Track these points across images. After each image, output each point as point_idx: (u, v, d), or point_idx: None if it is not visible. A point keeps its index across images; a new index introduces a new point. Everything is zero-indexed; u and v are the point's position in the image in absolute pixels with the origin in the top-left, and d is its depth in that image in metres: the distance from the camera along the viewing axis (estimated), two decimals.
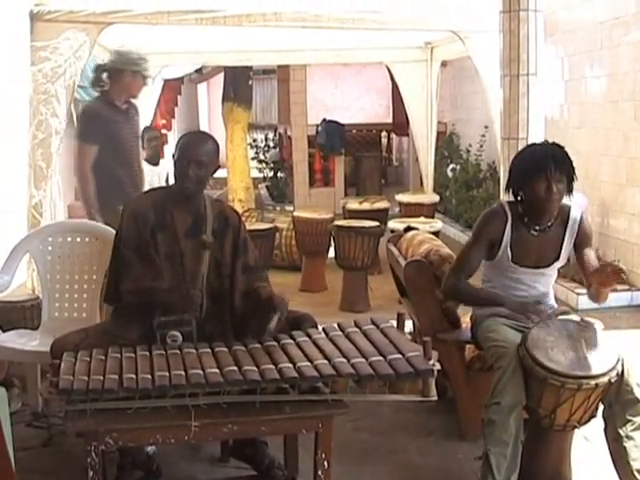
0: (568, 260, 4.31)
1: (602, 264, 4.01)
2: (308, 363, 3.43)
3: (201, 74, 16.31)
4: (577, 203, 4.34)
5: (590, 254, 4.23)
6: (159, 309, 3.83)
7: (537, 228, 4.12)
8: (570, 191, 4.07)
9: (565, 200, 4.12)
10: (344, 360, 3.46)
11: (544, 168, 3.96)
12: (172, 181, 4.15)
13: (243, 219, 8.07)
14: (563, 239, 4.16)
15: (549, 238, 4.15)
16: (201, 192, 4.08)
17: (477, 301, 4.28)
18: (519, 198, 4.15)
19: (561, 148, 4.08)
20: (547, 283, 4.29)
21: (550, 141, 4.20)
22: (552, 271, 4.27)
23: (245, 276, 4.09)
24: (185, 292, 3.92)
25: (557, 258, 4.20)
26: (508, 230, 4.12)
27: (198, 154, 3.96)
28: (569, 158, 4.03)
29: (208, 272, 4.02)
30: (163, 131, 15.91)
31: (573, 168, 4.03)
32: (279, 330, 3.83)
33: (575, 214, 4.18)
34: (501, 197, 5.38)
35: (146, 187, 7.05)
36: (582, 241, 4.21)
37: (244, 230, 4.22)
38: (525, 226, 4.12)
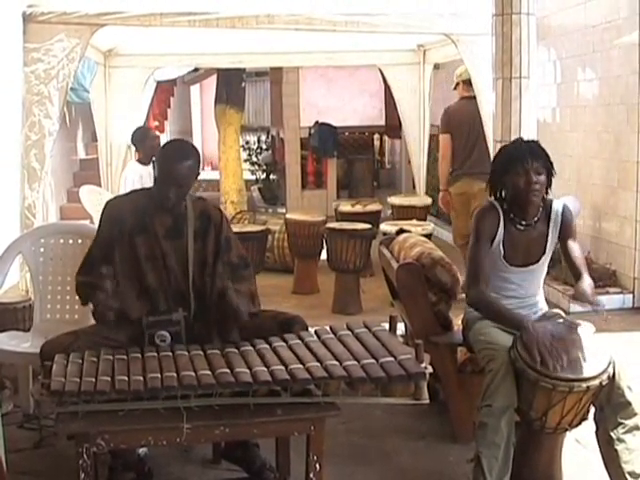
0: (560, 261, 4.32)
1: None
2: (300, 365, 3.43)
3: (196, 74, 16.29)
4: (568, 203, 4.36)
5: (574, 247, 4.23)
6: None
7: (523, 223, 4.14)
8: (549, 185, 4.10)
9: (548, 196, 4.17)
10: (336, 363, 3.46)
11: (520, 160, 4.01)
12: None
13: (234, 221, 8.02)
14: (548, 232, 4.18)
15: (535, 234, 4.17)
16: (182, 202, 4.07)
17: (500, 321, 4.12)
18: (502, 196, 4.17)
19: (535, 142, 4.16)
20: (536, 282, 4.29)
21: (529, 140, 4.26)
22: (541, 268, 4.27)
23: (226, 274, 4.08)
24: (170, 293, 3.96)
25: (544, 253, 4.21)
26: (501, 226, 4.13)
27: (178, 177, 3.91)
28: (545, 151, 4.09)
29: (193, 272, 4.02)
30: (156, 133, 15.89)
31: (550, 160, 4.08)
32: (269, 332, 3.85)
33: (557, 206, 4.20)
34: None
35: (137, 186, 7.05)
36: (565, 232, 4.22)
37: (227, 228, 4.19)
38: (512, 222, 4.14)
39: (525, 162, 4.00)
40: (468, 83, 7.69)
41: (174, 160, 3.93)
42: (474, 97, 7.54)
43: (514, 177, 4.03)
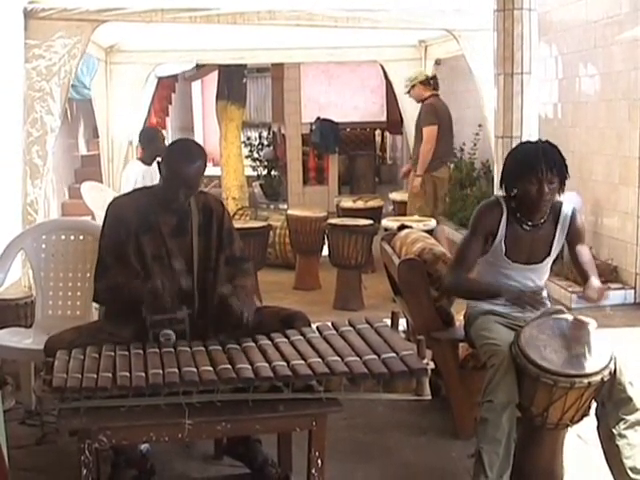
0: (562, 257, 4.32)
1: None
2: (302, 361, 3.43)
3: (198, 70, 16.29)
4: (571, 201, 4.35)
5: (583, 251, 4.23)
6: (144, 306, 3.82)
7: (529, 224, 4.13)
8: (562, 189, 4.08)
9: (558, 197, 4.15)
10: (338, 359, 3.46)
11: (536, 169, 3.95)
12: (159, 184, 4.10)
13: (236, 217, 8.00)
14: (554, 235, 4.17)
15: (541, 234, 4.16)
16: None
17: (477, 295, 4.25)
18: (512, 194, 4.15)
19: (553, 147, 4.07)
20: (539, 280, 4.30)
21: (543, 139, 4.21)
22: (544, 268, 4.28)
23: (228, 268, 4.09)
24: (175, 291, 3.96)
25: (548, 254, 4.21)
26: (503, 223, 4.12)
27: (189, 179, 3.92)
28: (562, 157, 4.03)
29: (198, 269, 4.02)
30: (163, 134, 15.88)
31: (566, 167, 4.03)
32: (270, 328, 3.84)
33: (566, 210, 4.19)
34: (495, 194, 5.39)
35: (139, 185, 7.04)
36: (574, 237, 4.22)
37: (228, 220, 4.20)
38: (518, 221, 4.13)
39: (540, 172, 3.94)
40: (426, 83, 8.62)
41: (183, 163, 3.93)
42: (435, 95, 8.67)
43: (527, 184, 3.99)
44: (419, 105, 8.99)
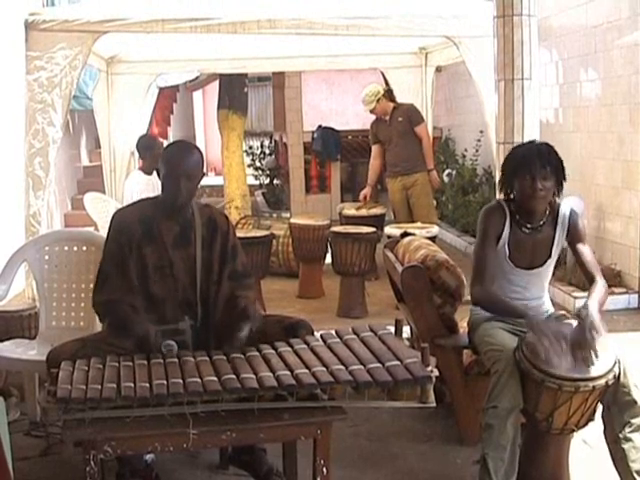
0: (564, 262, 4.32)
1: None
2: (306, 370, 3.43)
3: (199, 79, 16.30)
4: (573, 205, 4.35)
5: (585, 250, 4.22)
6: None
7: (529, 226, 4.14)
8: (560, 190, 4.08)
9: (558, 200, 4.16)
10: (342, 367, 3.45)
11: (528, 165, 3.98)
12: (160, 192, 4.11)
13: (239, 226, 8.02)
14: (554, 236, 4.18)
15: (541, 237, 4.17)
16: (190, 202, 4.08)
17: (506, 313, 4.18)
18: (511, 196, 4.16)
19: (548, 146, 4.09)
20: (541, 284, 4.30)
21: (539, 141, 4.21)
22: (546, 271, 4.27)
23: (231, 282, 4.09)
24: (177, 302, 3.96)
25: (549, 256, 4.21)
26: (507, 225, 4.13)
27: (187, 168, 3.94)
28: (556, 155, 4.04)
29: (201, 280, 4.02)
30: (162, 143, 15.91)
31: (562, 165, 4.04)
32: (274, 337, 3.84)
33: (564, 210, 4.19)
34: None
35: (140, 196, 7.05)
36: (574, 237, 4.21)
37: (233, 235, 4.21)
38: (518, 225, 4.14)
39: (533, 168, 3.96)
40: (387, 96, 9.08)
41: (180, 155, 3.98)
42: (398, 104, 9.07)
43: (521, 181, 4.02)
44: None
